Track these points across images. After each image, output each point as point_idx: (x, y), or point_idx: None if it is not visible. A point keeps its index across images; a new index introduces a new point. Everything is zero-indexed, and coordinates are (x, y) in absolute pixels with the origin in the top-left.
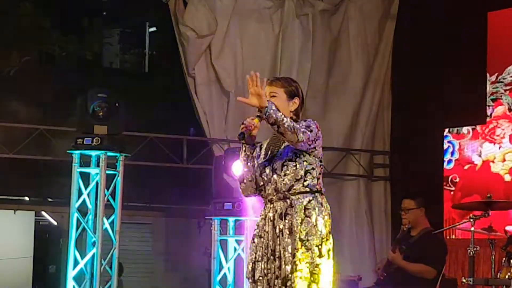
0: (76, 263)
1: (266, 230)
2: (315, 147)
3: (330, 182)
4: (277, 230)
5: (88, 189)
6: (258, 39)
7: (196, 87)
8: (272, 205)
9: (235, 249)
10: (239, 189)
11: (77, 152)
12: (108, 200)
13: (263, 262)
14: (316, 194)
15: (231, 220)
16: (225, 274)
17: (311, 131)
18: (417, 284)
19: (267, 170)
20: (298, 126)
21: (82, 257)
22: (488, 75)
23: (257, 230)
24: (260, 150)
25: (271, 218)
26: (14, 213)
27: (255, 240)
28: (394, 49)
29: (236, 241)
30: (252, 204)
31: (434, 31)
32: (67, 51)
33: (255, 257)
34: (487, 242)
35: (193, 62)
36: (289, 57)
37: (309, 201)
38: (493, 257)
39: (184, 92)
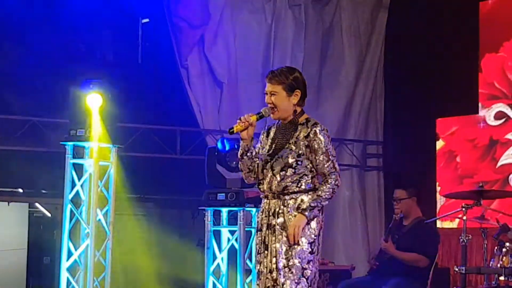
0: (70, 254)
1: (263, 225)
2: None
3: None
4: (271, 227)
5: (82, 180)
6: (250, 30)
7: (189, 78)
8: (267, 201)
9: (228, 240)
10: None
11: (70, 143)
12: (101, 192)
13: (262, 255)
14: (310, 193)
15: (224, 210)
16: (218, 264)
17: (334, 156)
18: (410, 273)
19: (267, 167)
20: (331, 185)
21: (76, 248)
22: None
23: (258, 224)
24: (267, 137)
25: (267, 214)
26: (8, 204)
27: (257, 233)
28: (386, 39)
29: (230, 231)
30: None
31: (426, 21)
32: (59, 43)
33: (257, 250)
34: (479, 231)
35: (186, 53)
36: (282, 48)
37: (302, 200)
38: (485, 246)
39: (177, 83)
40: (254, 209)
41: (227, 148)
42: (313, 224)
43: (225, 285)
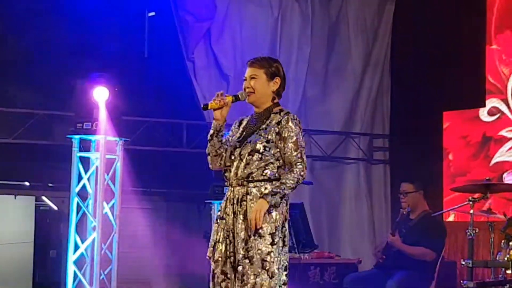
0: (76, 247)
1: (227, 212)
2: None
3: (330, 165)
4: (236, 215)
5: (88, 173)
6: (257, 23)
7: (195, 71)
8: (231, 189)
9: None
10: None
11: (77, 136)
12: (108, 185)
13: (223, 244)
14: (274, 182)
15: None
16: None
17: (303, 147)
18: (417, 266)
19: (236, 153)
20: (296, 174)
21: (83, 242)
22: None
23: (220, 212)
24: (239, 126)
25: (232, 202)
26: (15, 198)
27: (218, 221)
28: (393, 32)
29: None
30: None
31: (433, 14)
32: (66, 35)
33: (216, 238)
34: (486, 224)
35: (193, 47)
36: (288, 41)
37: (266, 189)
38: (492, 239)
39: (183, 76)
40: None
41: None
42: (274, 213)
43: None
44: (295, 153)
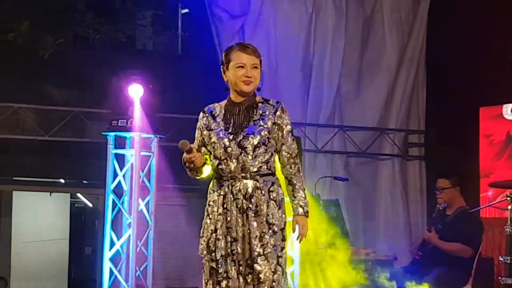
0: (112, 244)
1: (228, 208)
2: None
3: (365, 162)
4: (241, 210)
5: (123, 170)
6: (291, 19)
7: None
8: (232, 182)
9: None
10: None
11: (112, 134)
12: (143, 182)
13: (223, 241)
14: (275, 176)
15: None
16: None
17: (296, 141)
18: (453, 263)
19: (232, 145)
20: (299, 179)
21: (118, 238)
22: None
23: (215, 207)
24: (215, 119)
25: (234, 197)
26: (50, 195)
27: (214, 217)
28: (428, 26)
29: None
30: None
31: (469, 8)
32: (100, 33)
33: (216, 236)
34: None
35: (226, 43)
36: (323, 37)
37: (272, 184)
38: None
39: (217, 73)
40: None
41: None
42: (282, 210)
43: None
44: (294, 145)
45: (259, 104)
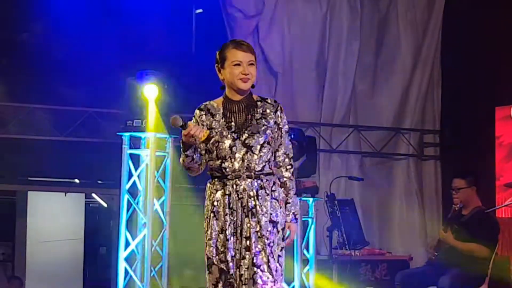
0: (127, 244)
1: (234, 208)
2: None
3: (380, 162)
4: (246, 210)
5: (138, 170)
6: (305, 19)
7: None
8: (237, 182)
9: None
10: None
11: (127, 134)
12: (158, 182)
13: (232, 242)
14: (275, 176)
15: None
16: None
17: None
18: (469, 263)
19: (238, 144)
20: (293, 183)
21: (133, 239)
22: None
23: (220, 207)
24: (213, 117)
25: (239, 196)
26: (65, 195)
27: (222, 217)
28: (443, 26)
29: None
30: None
31: (484, 7)
32: (114, 33)
33: (225, 236)
34: None
35: None
36: (337, 37)
37: (274, 183)
38: None
39: None
40: (311, 199)
41: None
42: (283, 208)
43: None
44: (290, 146)
45: (258, 103)
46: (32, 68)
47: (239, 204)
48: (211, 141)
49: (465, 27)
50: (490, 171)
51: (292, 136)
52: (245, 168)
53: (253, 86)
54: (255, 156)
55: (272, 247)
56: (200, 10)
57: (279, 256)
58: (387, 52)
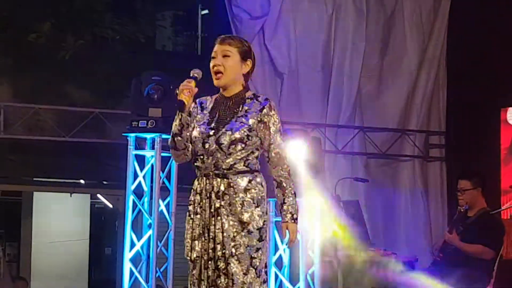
0: (132, 245)
1: (203, 207)
2: None
3: (385, 163)
4: (213, 209)
5: (144, 171)
6: (311, 20)
7: None
8: (208, 181)
9: None
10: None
11: (133, 134)
12: (163, 183)
13: (200, 242)
14: (255, 173)
15: None
16: (280, 255)
17: (282, 134)
18: (475, 265)
19: (210, 141)
20: (292, 179)
21: (139, 239)
22: None
23: (193, 206)
24: (202, 110)
25: (207, 195)
26: (70, 196)
27: (192, 216)
28: (449, 27)
29: None
30: None
31: (490, 9)
32: (120, 34)
33: (192, 236)
34: None
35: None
36: (343, 37)
37: (249, 181)
38: None
39: None
40: None
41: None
42: (260, 208)
43: (287, 276)
44: (283, 144)
45: (247, 100)
46: (37, 69)
47: (207, 204)
48: (185, 112)
49: (471, 29)
50: (495, 172)
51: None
52: (213, 166)
53: (246, 80)
54: (223, 154)
55: (239, 248)
56: (205, 11)
57: (252, 258)
58: (392, 53)
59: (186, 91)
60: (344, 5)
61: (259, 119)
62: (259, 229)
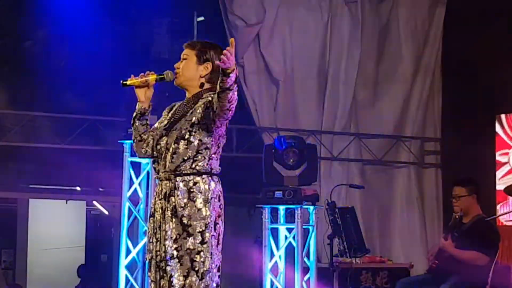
0: (128, 252)
1: (157, 209)
2: (221, 124)
3: (381, 169)
4: (162, 212)
5: (139, 178)
6: (307, 27)
7: (245, 76)
8: (160, 182)
9: (286, 237)
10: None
11: (128, 141)
12: None
13: (152, 244)
14: (204, 176)
15: (281, 208)
16: (276, 262)
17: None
18: (470, 271)
19: (162, 143)
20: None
21: (134, 246)
22: None
23: (152, 208)
24: (169, 113)
25: (160, 197)
26: (66, 203)
27: (149, 218)
28: (444, 34)
29: (287, 229)
30: None
31: (485, 16)
32: (116, 41)
33: (148, 237)
34: None
35: (242, 51)
36: (338, 45)
37: (195, 184)
38: None
39: None
40: (311, 207)
41: (284, 145)
42: (204, 210)
43: (283, 283)
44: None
45: (200, 100)
46: (33, 76)
47: (159, 206)
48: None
49: (465, 36)
50: (490, 179)
51: (293, 144)
52: (163, 167)
53: (202, 86)
54: (169, 155)
55: (180, 251)
56: (201, 18)
57: (193, 260)
58: (388, 60)
59: (141, 76)
60: (340, 13)
61: (203, 108)
62: (201, 232)
